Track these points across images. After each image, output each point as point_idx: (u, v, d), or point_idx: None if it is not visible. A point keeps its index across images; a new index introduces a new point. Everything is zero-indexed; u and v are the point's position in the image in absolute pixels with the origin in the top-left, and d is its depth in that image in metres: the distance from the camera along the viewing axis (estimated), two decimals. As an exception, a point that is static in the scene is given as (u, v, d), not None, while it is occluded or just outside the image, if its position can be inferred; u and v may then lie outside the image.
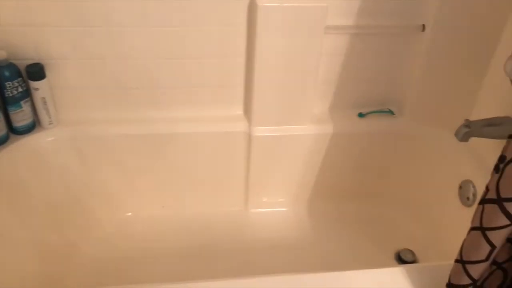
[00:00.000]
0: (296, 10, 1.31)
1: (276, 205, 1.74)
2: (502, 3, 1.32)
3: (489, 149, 1.39)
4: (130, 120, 1.52)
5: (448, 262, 0.93)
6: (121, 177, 1.59)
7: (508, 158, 0.81)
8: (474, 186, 1.40)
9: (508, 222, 0.80)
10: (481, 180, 1.36)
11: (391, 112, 1.61)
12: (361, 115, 1.61)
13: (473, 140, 1.30)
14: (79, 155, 1.50)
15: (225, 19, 1.38)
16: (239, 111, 1.59)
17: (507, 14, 1.33)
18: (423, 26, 1.44)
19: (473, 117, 1.43)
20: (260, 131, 1.54)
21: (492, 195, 0.82)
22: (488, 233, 0.83)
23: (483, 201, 0.84)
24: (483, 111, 1.45)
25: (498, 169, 0.84)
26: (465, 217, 1.17)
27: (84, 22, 1.32)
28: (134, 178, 1.60)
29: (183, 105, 1.54)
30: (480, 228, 0.84)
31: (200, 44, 1.41)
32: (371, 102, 1.64)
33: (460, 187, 1.46)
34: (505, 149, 0.84)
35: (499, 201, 0.80)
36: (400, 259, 1.56)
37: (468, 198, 1.42)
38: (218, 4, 1.34)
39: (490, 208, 0.82)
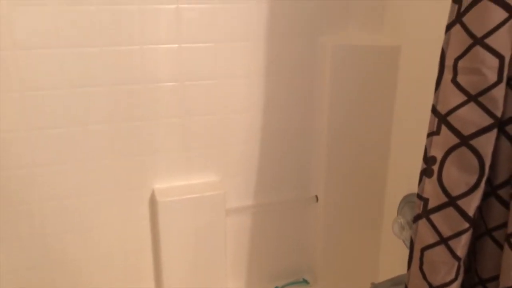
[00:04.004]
0: (195, 201, 1.37)
1: None
2: (382, 169, 1.49)
3: (402, 307, 1.41)
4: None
5: None
6: None
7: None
8: None
9: None
10: None
11: (305, 282, 1.63)
12: (277, 288, 1.60)
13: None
14: None
15: (127, 213, 1.39)
16: (152, 304, 1.52)
17: (386, 177, 1.50)
18: (316, 197, 1.55)
19: (381, 277, 1.49)
20: (174, 323, 1.46)
21: None
22: None
23: None
24: (388, 270, 1.51)
25: None
26: None
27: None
28: None
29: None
30: None
31: (106, 239, 1.39)
32: (285, 273, 1.65)
33: None
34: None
35: None
36: None
37: None
38: (119, 199, 1.37)
39: None
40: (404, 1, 1.34)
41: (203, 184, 1.43)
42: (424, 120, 1.01)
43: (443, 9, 0.89)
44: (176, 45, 1.30)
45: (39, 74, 1.20)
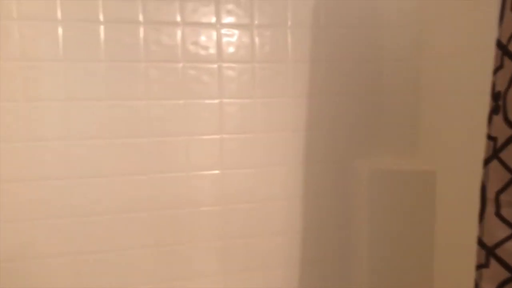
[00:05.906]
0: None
1: None
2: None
3: None
4: None
5: None
6: None
7: None
8: None
9: None
10: None
11: None
12: None
13: None
14: None
15: None
16: None
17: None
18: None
19: None
20: None
21: None
22: None
23: None
24: None
25: None
26: None
27: None
28: None
29: None
30: None
31: None
32: None
33: None
34: None
35: None
36: None
37: None
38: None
39: None
40: (437, 127, 1.40)
41: (241, 310, 1.40)
42: (467, 246, 1.00)
43: (478, 134, 0.93)
44: (218, 171, 1.37)
45: (89, 200, 1.28)
